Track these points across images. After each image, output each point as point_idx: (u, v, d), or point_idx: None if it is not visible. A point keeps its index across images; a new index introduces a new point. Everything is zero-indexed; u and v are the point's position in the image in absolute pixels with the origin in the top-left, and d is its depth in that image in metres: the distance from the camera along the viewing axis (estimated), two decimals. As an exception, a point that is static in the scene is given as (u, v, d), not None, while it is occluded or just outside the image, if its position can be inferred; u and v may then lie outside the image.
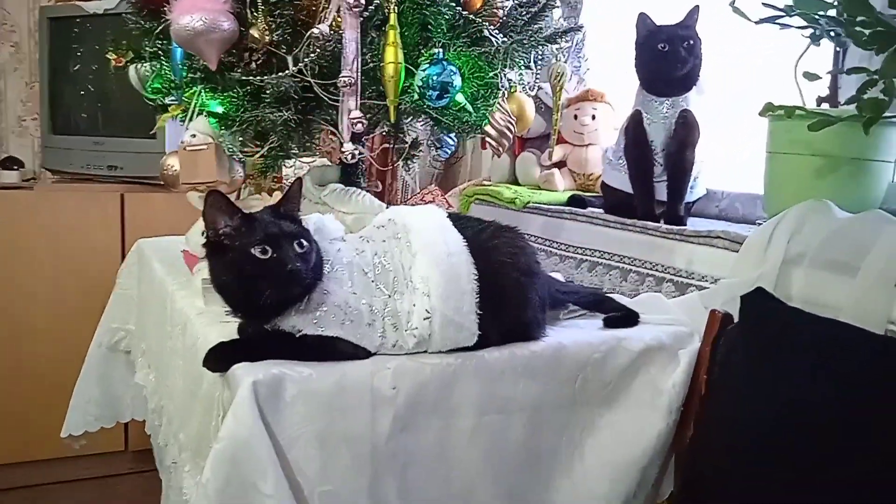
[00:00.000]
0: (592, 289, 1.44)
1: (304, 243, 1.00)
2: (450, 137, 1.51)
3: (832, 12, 1.12)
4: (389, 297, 1.04)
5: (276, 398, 0.95)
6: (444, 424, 1.05)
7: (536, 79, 1.55)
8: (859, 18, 1.05)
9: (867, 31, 1.03)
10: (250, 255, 0.97)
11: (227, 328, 1.17)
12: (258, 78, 1.24)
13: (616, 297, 1.35)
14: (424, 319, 1.03)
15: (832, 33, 1.20)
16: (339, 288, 1.02)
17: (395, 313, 1.03)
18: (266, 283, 0.97)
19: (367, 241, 1.10)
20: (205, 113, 1.31)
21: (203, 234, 1.03)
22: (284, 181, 1.56)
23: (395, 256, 1.07)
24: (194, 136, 1.32)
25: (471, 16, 1.30)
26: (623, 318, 1.25)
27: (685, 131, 1.53)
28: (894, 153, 1.28)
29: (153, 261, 1.68)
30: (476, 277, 1.06)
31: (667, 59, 1.51)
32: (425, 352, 1.05)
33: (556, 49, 1.82)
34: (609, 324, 1.24)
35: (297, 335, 1.00)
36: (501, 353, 1.09)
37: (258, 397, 0.93)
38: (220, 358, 1.01)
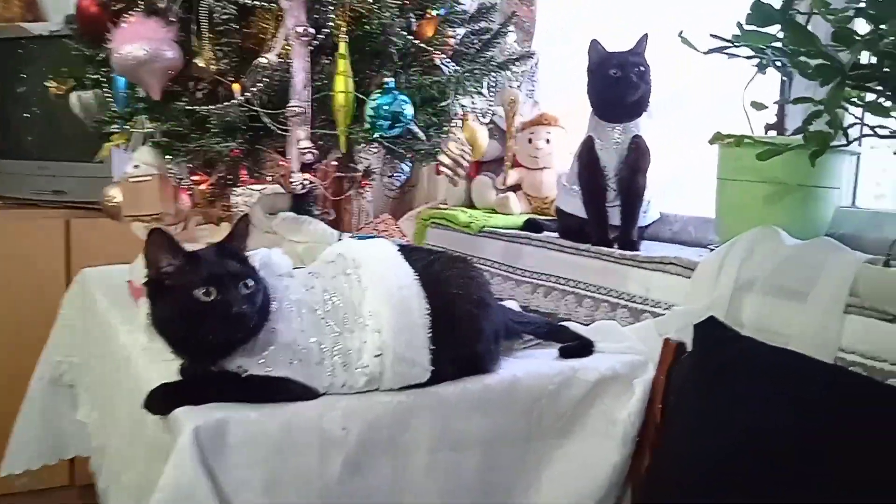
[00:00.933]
0: (546, 318, 1.43)
1: (251, 283, 0.96)
2: (404, 165, 1.49)
3: (777, 43, 1.13)
4: (340, 334, 1.01)
5: (220, 443, 0.91)
6: (397, 464, 1.03)
7: (490, 105, 1.55)
8: (803, 50, 1.07)
9: (812, 63, 1.05)
10: (193, 297, 0.93)
11: (171, 366, 1.12)
12: (204, 107, 1.21)
13: (571, 325, 1.34)
14: (375, 357, 1.00)
15: (778, 63, 1.21)
16: (287, 326, 0.99)
17: (346, 351, 1.01)
18: (210, 326, 0.93)
19: (317, 276, 1.07)
20: (149, 143, 1.27)
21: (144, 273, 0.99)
22: (234, 210, 1.53)
23: (346, 293, 1.04)
24: (137, 166, 1.28)
25: (422, 44, 1.28)
26: (578, 347, 1.24)
27: (637, 156, 1.54)
28: (840, 179, 1.31)
29: (97, 292, 1.62)
30: (428, 311, 1.04)
31: (619, 84, 1.52)
32: (376, 389, 1.03)
33: (510, 74, 1.83)
34: (564, 354, 1.23)
35: (243, 375, 0.96)
36: (455, 388, 1.07)
37: (200, 443, 0.89)
38: (162, 400, 0.97)
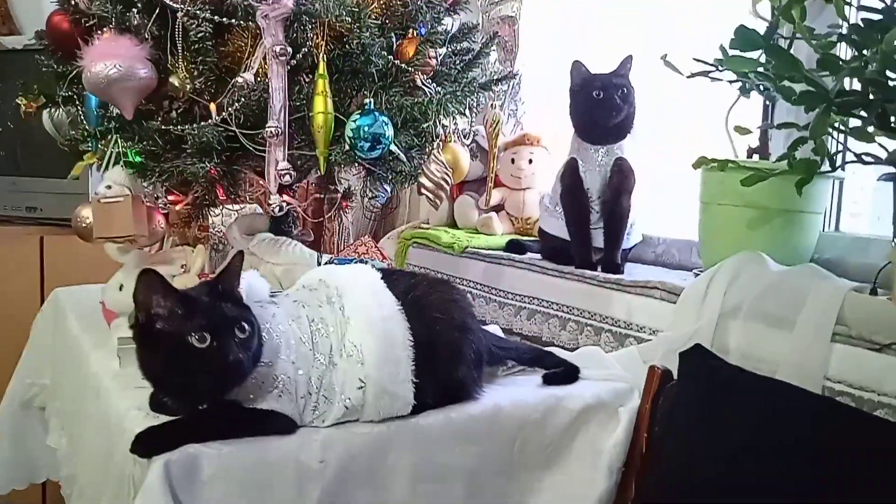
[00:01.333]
0: (531, 344, 1.41)
1: (246, 327, 0.92)
2: (385, 186, 1.47)
3: (761, 68, 1.13)
4: (326, 367, 0.98)
5: (191, 479, 0.87)
6: (377, 496, 1.00)
7: (472, 124, 1.53)
8: (787, 75, 1.06)
9: (797, 88, 1.04)
10: (187, 343, 0.88)
11: (143, 393, 1.09)
12: (179, 127, 1.18)
13: (555, 350, 1.32)
14: (358, 389, 0.98)
15: (761, 87, 1.21)
16: (276, 358, 0.95)
17: (330, 385, 0.98)
18: (204, 374, 0.89)
19: (303, 305, 1.04)
20: (122, 162, 1.24)
21: (130, 317, 0.94)
22: (211, 231, 1.49)
23: (331, 324, 1.01)
24: (109, 186, 1.24)
25: (403, 65, 1.26)
26: (562, 374, 1.21)
27: (621, 178, 1.53)
28: (823, 204, 1.30)
29: (69, 313, 1.58)
30: (412, 343, 1.02)
31: (602, 106, 1.51)
32: (356, 421, 0.99)
33: (493, 94, 1.81)
34: (548, 381, 1.20)
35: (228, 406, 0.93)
36: (437, 418, 1.04)
37: (171, 479, 0.86)
38: (149, 445, 0.90)
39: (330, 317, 1.02)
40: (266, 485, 0.91)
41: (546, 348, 1.36)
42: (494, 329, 1.45)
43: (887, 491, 0.84)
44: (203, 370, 0.89)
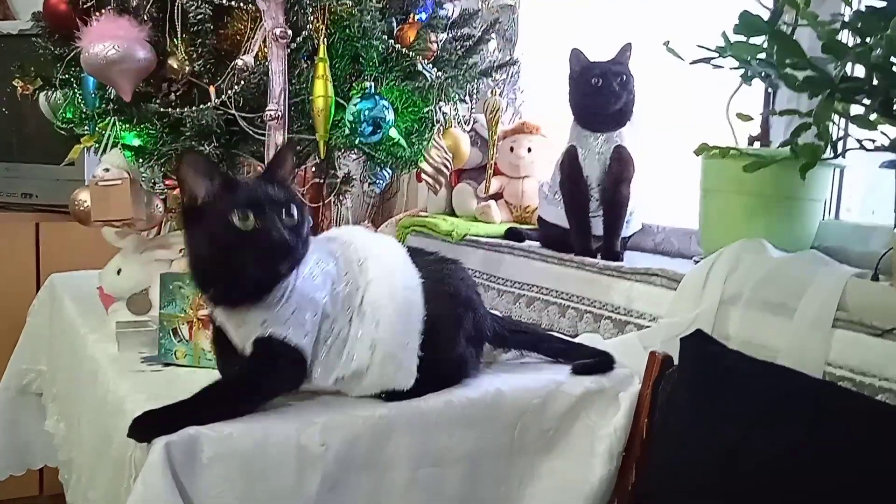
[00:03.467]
0: (559, 336, 1.35)
1: (295, 213, 0.88)
2: (384, 172, 1.46)
3: (763, 54, 1.12)
4: (348, 319, 0.97)
5: (192, 460, 0.87)
6: (377, 480, 0.99)
7: (472, 112, 1.52)
8: (790, 61, 1.05)
9: (799, 75, 1.04)
10: (229, 223, 0.85)
11: (141, 377, 1.09)
12: (177, 110, 1.17)
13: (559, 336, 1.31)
14: (368, 349, 0.97)
15: (763, 74, 1.20)
16: (313, 289, 0.93)
17: (345, 339, 0.97)
18: (247, 256, 0.86)
19: (335, 256, 1.01)
20: (119, 145, 1.23)
21: (178, 200, 0.92)
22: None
23: (356, 278, 1.00)
24: (107, 169, 1.23)
25: (404, 49, 1.25)
26: (595, 364, 1.18)
27: (620, 166, 1.53)
28: (824, 192, 1.30)
29: (66, 299, 1.57)
30: (424, 317, 1.01)
31: (600, 94, 1.50)
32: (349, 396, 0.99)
33: (492, 82, 1.81)
34: (580, 371, 1.17)
35: (266, 334, 0.91)
36: (437, 402, 1.04)
37: (171, 460, 0.85)
38: (147, 429, 0.88)
39: (356, 271, 1.00)
40: (267, 467, 0.91)
41: (574, 339, 1.34)
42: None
43: (889, 474, 0.85)
44: (247, 250, 0.86)
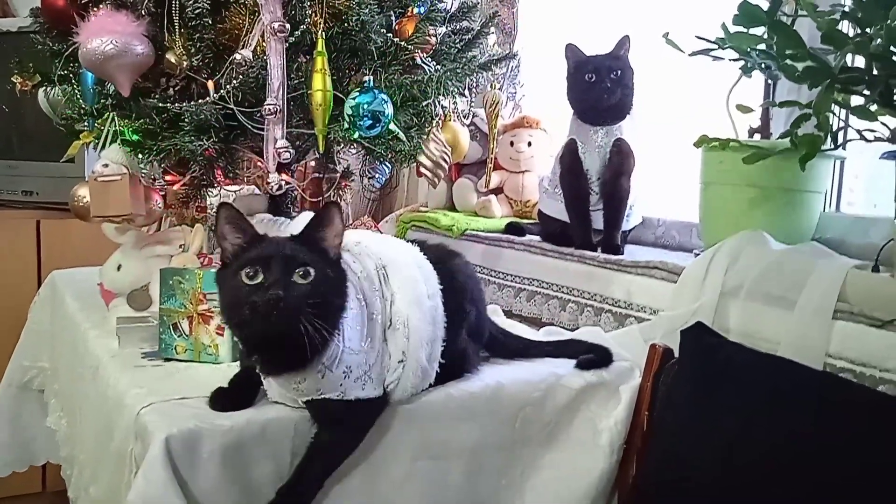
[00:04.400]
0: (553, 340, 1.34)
1: (311, 273, 0.85)
2: (384, 166, 1.46)
3: (762, 45, 1.12)
4: (385, 343, 0.97)
5: (192, 454, 0.87)
6: (376, 471, 1.00)
7: (471, 106, 1.52)
8: (790, 52, 1.05)
9: (799, 66, 1.03)
10: (239, 278, 0.85)
11: (142, 372, 1.09)
12: (176, 105, 1.16)
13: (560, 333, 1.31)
14: (399, 363, 0.97)
15: (763, 65, 1.20)
16: (354, 336, 0.92)
17: (383, 361, 0.97)
18: (246, 311, 0.84)
19: (365, 275, 0.99)
20: (118, 141, 1.23)
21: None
22: (209, 210, 1.48)
23: (385, 293, 0.99)
24: (106, 165, 1.23)
25: (402, 43, 1.25)
26: (597, 359, 1.18)
27: (620, 160, 1.52)
28: (824, 184, 1.30)
29: (66, 295, 1.57)
30: (445, 322, 1.02)
31: (594, 88, 1.50)
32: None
33: (491, 76, 1.80)
34: (583, 366, 1.17)
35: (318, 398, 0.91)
36: (438, 396, 1.04)
37: (172, 455, 0.86)
38: None
39: (382, 286, 0.99)
40: (265, 457, 0.91)
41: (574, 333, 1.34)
42: (495, 309, 1.45)
43: (889, 466, 0.84)
44: (246, 308, 0.84)
